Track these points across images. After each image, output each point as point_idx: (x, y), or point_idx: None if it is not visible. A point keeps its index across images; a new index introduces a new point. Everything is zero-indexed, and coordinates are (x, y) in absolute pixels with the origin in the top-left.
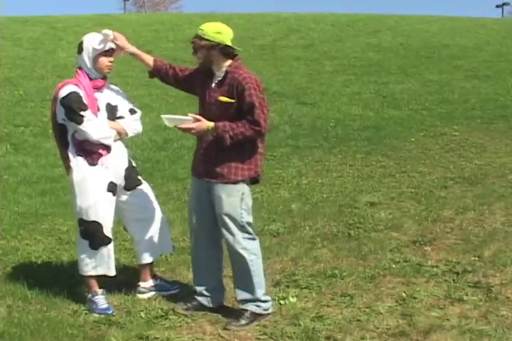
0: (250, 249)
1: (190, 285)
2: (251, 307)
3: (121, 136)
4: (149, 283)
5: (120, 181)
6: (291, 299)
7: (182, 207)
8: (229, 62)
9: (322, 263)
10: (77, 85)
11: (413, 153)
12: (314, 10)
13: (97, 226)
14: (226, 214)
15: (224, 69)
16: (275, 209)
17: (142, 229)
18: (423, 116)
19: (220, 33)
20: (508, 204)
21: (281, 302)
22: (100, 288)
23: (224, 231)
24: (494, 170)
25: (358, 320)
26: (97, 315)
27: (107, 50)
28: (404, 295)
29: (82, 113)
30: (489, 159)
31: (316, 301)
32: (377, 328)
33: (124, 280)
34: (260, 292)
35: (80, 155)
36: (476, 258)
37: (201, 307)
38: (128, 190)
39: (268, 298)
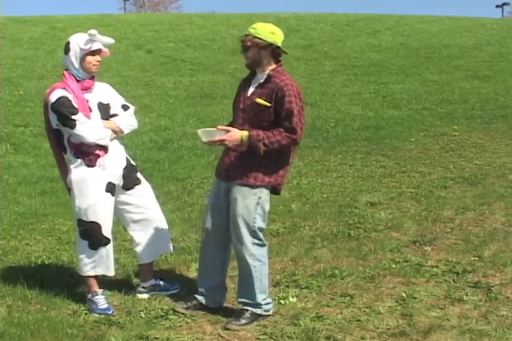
0: (256, 255)
1: (190, 285)
2: (251, 308)
3: (116, 134)
4: (149, 283)
5: (119, 181)
6: (291, 299)
7: (182, 207)
8: (274, 65)
9: (322, 263)
10: (65, 89)
11: (413, 153)
12: (314, 10)
13: (95, 226)
14: (239, 216)
15: (267, 72)
16: (275, 209)
17: (142, 229)
18: (423, 116)
19: (274, 33)
20: (508, 204)
21: (281, 302)
22: (100, 288)
23: (234, 234)
24: (494, 170)
25: (358, 320)
26: (97, 315)
27: (93, 50)
28: (404, 295)
29: (73, 117)
30: (489, 159)
31: (316, 301)
32: (377, 328)
33: (124, 280)
34: (261, 297)
35: (79, 158)
36: (476, 258)
37: (200, 306)
38: (127, 189)
39: (269, 300)
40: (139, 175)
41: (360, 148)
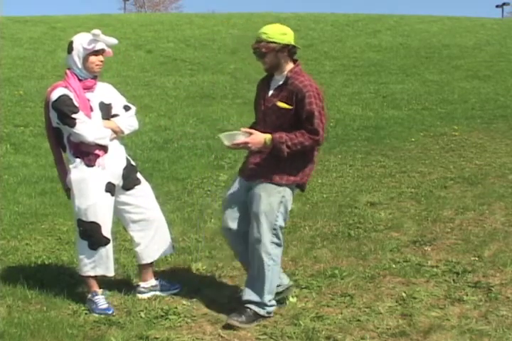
0: (272, 254)
1: (190, 285)
2: (255, 308)
3: (117, 134)
4: (149, 283)
5: (118, 181)
6: (291, 299)
7: (182, 207)
8: (291, 65)
9: (322, 263)
10: (66, 87)
11: (413, 153)
12: (314, 10)
13: (95, 226)
14: (261, 213)
15: (285, 73)
16: None
17: (142, 229)
18: (423, 116)
19: (285, 33)
20: (508, 204)
21: (282, 302)
22: (100, 288)
23: (253, 230)
24: (494, 170)
25: (358, 320)
26: (97, 315)
27: (96, 50)
28: (404, 295)
29: (74, 115)
30: (489, 159)
31: (316, 301)
32: (377, 328)
33: (124, 280)
34: (268, 298)
35: (78, 157)
36: (476, 258)
37: None
38: (127, 189)
39: (274, 302)
40: (138, 175)
41: (360, 148)
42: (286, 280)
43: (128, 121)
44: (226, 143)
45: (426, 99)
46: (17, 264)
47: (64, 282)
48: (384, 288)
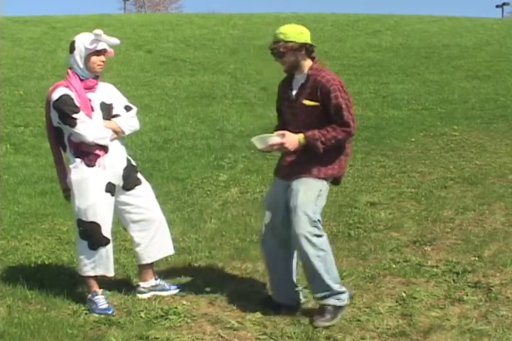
0: (318, 245)
1: (190, 285)
2: (332, 301)
3: (117, 134)
4: (149, 283)
5: (119, 181)
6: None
7: (182, 207)
8: (310, 63)
9: None
10: (67, 87)
11: (413, 153)
12: (314, 10)
13: (95, 226)
14: (299, 206)
15: (305, 71)
16: None
17: (142, 230)
18: (423, 116)
19: (302, 33)
20: (508, 204)
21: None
22: (100, 288)
23: (294, 226)
24: (494, 170)
25: (358, 320)
26: (97, 315)
27: (98, 50)
28: (404, 295)
29: (74, 115)
30: (489, 159)
31: (316, 301)
32: (377, 328)
33: (124, 280)
34: (336, 285)
35: (78, 157)
36: (476, 258)
37: (276, 305)
38: (127, 189)
39: (344, 289)
40: (139, 175)
41: (360, 148)
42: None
43: (129, 122)
44: (259, 146)
45: (426, 99)
46: (17, 264)
47: (64, 282)
48: (384, 288)
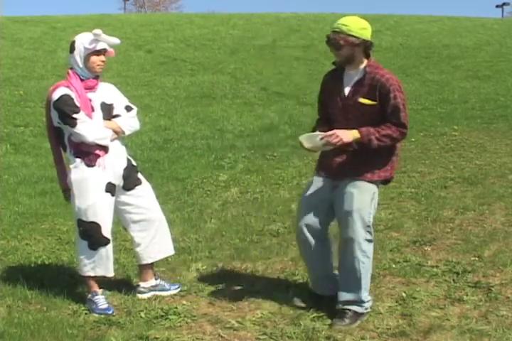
0: (367, 251)
1: (190, 285)
2: (354, 307)
3: (117, 134)
4: (149, 283)
5: (119, 181)
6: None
7: (182, 207)
8: (365, 60)
9: None
10: (68, 87)
11: (413, 153)
12: (314, 10)
13: (95, 226)
14: (355, 211)
15: (361, 68)
16: (275, 209)
17: (142, 230)
18: (423, 116)
19: (365, 28)
20: (508, 204)
21: (282, 302)
22: (100, 288)
23: (347, 230)
24: (494, 170)
25: None
26: (97, 315)
27: (98, 50)
28: (404, 295)
29: (74, 115)
30: (489, 159)
31: (316, 301)
32: (377, 328)
33: (124, 280)
34: (365, 294)
35: (78, 157)
36: (476, 258)
37: (316, 296)
38: (127, 190)
39: (369, 297)
40: (139, 175)
41: None
42: None
43: (129, 122)
44: (307, 145)
45: (426, 99)
46: (17, 264)
47: (64, 282)
48: (384, 288)
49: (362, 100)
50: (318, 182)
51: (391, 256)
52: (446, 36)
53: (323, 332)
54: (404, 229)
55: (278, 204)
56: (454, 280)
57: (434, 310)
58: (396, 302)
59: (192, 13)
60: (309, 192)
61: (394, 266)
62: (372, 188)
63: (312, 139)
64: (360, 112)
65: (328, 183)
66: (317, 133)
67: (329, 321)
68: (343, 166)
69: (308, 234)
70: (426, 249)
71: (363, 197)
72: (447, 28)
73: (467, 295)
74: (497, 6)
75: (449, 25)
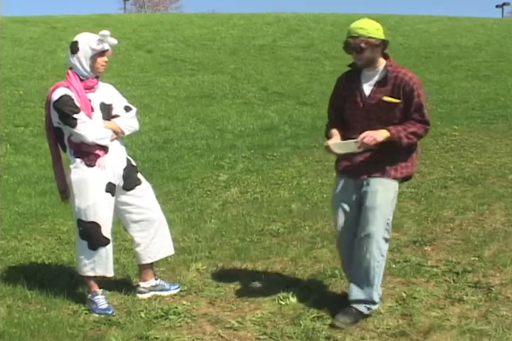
0: (383, 249)
1: (190, 285)
2: (362, 307)
3: (117, 134)
4: (149, 283)
5: (119, 181)
6: (291, 299)
7: (182, 207)
8: (383, 60)
9: (322, 263)
10: (68, 87)
11: None
12: (314, 10)
13: (95, 227)
14: (377, 207)
15: (380, 68)
16: (275, 209)
17: (142, 230)
18: None
19: (379, 29)
20: (508, 204)
21: (282, 302)
22: (100, 288)
23: (368, 226)
24: (494, 170)
25: None
26: (97, 315)
27: (104, 51)
28: (404, 295)
29: (75, 116)
30: (489, 159)
31: (316, 301)
32: (377, 328)
33: (124, 280)
34: (376, 295)
35: (78, 157)
36: (476, 258)
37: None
38: (127, 190)
39: (379, 299)
40: (139, 175)
41: None
42: None
43: (128, 122)
44: (339, 151)
45: (426, 99)
46: (17, 264)
47: (64, 282)
48: (384, 288)
49: (386, 98)
50: (342, 184)
51: (391, 256)
52: (446, 36)
53: (323, 332)
54: (404, 229)
55: (278, 204)
56: (454, 280)
57: (434, 310)
58: (396, 302)
59: (192, 13)
60: (337, 195)
61: (394, 266)
62: (395, 186)
63: (347, 146)
64: (383, 111)
65: (354, 184)
66: (352, 140)
67: (329, 321)
68: (367, 165)
69: (346, 236)
70: (426, 249)
71: (387, 195)
72: (447, 28)
73: (467, 295)
74: (497, 6)
75: (449, 25)
